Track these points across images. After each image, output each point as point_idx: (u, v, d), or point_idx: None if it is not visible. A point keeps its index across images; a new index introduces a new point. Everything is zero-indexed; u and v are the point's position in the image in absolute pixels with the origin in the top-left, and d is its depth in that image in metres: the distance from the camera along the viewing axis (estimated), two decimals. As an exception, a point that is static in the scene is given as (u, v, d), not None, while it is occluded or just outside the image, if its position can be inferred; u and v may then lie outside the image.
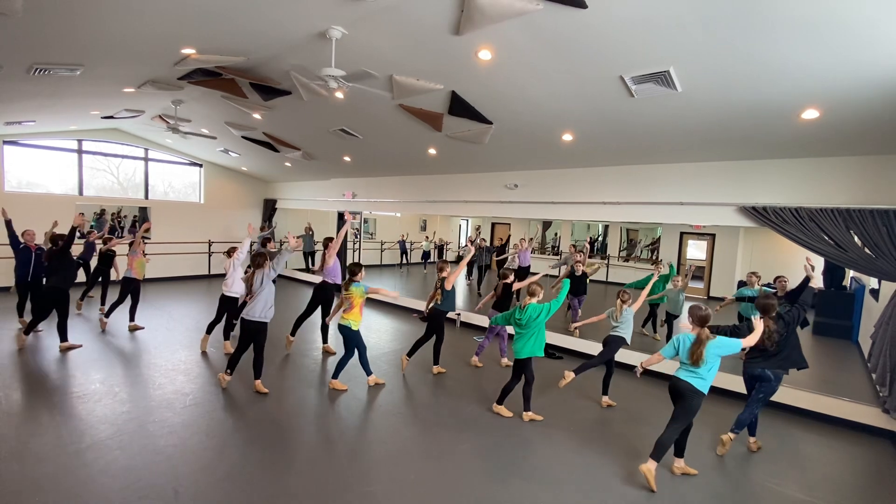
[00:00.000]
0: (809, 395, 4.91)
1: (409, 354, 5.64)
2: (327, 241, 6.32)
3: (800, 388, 4.97)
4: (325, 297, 6.14)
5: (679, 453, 3.65)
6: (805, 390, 4.95)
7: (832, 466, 3.98)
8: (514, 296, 5.89)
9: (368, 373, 5.07)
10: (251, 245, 5.35)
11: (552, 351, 6.76)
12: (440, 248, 13.77)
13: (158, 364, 5.44)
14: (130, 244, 6.71)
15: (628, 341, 4.76)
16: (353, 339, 4.87)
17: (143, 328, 6.81)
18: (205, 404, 4.42)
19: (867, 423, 4.58)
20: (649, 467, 3.40)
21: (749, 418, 3.92)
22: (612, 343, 4.73)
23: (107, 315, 6.75)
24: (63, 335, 5.68)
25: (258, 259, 4.62)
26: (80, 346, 5.82)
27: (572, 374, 4.49)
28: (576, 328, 4.86)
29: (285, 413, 4.36)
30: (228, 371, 4.80)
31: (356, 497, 3.13)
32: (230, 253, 5.96)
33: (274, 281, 4.66)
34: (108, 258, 7.54)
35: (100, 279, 7.78)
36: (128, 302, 6.76)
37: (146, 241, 7.03)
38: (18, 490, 2.99)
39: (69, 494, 2.98)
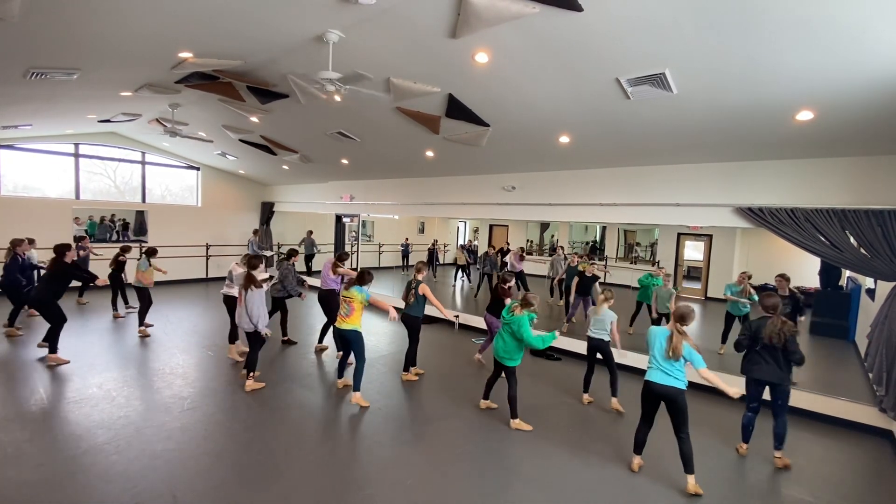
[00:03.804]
0: (807, 395, 4.92)
1: (406, 369, 5.52)
2: (344, 257, 6.54)
3: (797, 388, 4.98)
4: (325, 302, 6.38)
5: (639, 450, 3.68)
6: (802, 390, 4.96)
7: (830, 465, 3.99)
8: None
9: (356, 388, 4.70)
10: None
11: (550, 352, 6.77)
12: (432, 253, 13.63)
13: (156, 368, 5.42)
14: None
15: (607, 340, 4.82)
16: (358, 343, 4.70)
17: (151, 326, 7.14)
18: (203, 408, 4.40)
19: (864, 423, 4.60)
20: (693, 483, 3.39)
21: (783, 429, 3.85)
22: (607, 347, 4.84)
23: (140, 321, 6.98)
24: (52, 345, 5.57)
25: (249, 278, 4.82)
26: (68, 361, 5.51)
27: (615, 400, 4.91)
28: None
29: (283, 417, 4.35)
30: (247, 373, 4.97)
31: (355, 501, 3.13)
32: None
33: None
34: (121, 264, 7.73)
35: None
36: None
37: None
38: (15, 496, 2.97)
39: (66, 500, 2.96)
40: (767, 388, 3.86)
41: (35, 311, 6.06)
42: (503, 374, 4.45)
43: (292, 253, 6.77)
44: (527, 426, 4.31)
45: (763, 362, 3.78)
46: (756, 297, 6.27)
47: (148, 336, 6.87)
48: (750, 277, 6.37)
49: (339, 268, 6.31)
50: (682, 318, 3.47)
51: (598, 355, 4.90)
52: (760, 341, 3.75)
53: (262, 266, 5.10)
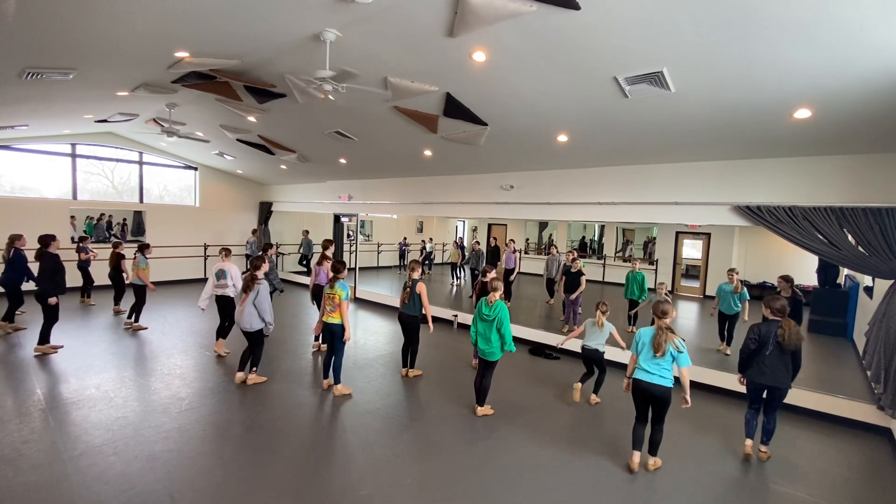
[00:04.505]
0: (805, 393, 4.93)
1: (411, 366, 5.60)
2: (327, 244, 6.74)
3: (796, 385, 4.98)
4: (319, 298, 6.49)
5: (637, 446, 3.72)
6: (801, 388, 4.97)
7: (829, 463, 3.99)
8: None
9: (337, 381, 4.96)
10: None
11: (549, 351, 6.77)
12: (428, 254, 13.79)
13: (154, 369, 5.41)
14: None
15: (602, 350, 4.90)
16: (341, 338, 4.88)
17: (146, 328, 7.15)
18: (200, 409, 4.39)
19: (863, 420, 4.61)
20: (652, 461, 3.69)
21: (774, 425, 3.91)
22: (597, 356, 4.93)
23: (135, 319, 7.18)
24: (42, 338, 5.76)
25: (250, 281, 4.92)
26: (62, 346, 5.84)
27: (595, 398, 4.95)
28: (561, 344, 5.09)
29: (281, 417, 4.34)
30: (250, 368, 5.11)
31: (353, 501, 3.12)
32: (228, 254, 6.22)
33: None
34: (119, 258, 7.83)
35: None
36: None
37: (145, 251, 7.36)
38: (11, 498, 2.96)
39: (63, 502, 2.95)
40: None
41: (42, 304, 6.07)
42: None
43: (268, 246, 6.85)
44: (490, 410, 4.57)
45: (767, 367, 3.75)
46: (748, 295, 6.32)
47: (144, 329, 7.06)
48: (737, 273, 6.49)
49: (327, 258, 6.39)
50: (663, 313, 3.59)
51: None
52: (767, 346, 3.73)
53: (266, 266, 5.15)
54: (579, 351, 5.08)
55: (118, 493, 3.06)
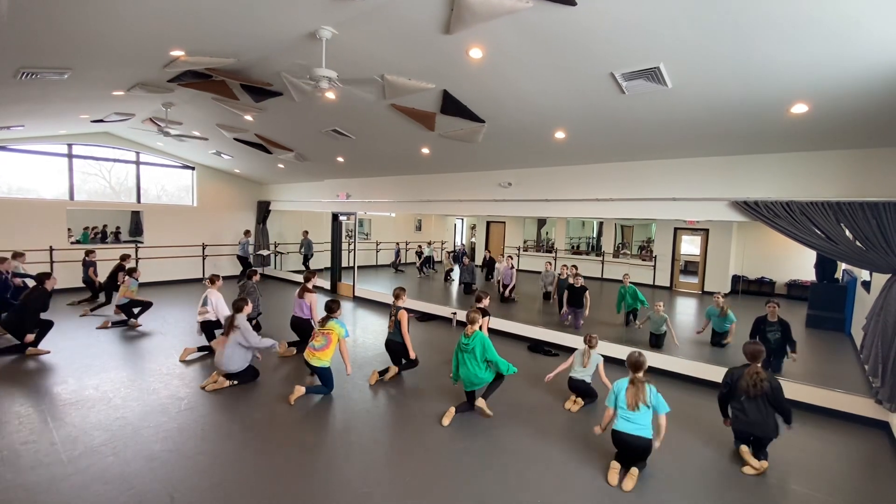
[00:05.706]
0: (803, 388, 4.95)
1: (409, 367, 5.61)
2: (310, 276, 6.47)
3: (794, 380, 5.01)
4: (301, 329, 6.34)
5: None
6: (799, 382, 4.98)
7: (827, 457, 4.01)
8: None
9: (307, 393, 4.70)
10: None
11: (548, 348, 6.79)
12: (428, 258, 13.87)
13: (153, 369, 5.40)
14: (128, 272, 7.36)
15: (589, 381, 4.81)
16: (328, 378, 4.81)
17: (140, 325, 7.23)
18: (200, 408, 4.39)
19: (860, 414, 4.63)
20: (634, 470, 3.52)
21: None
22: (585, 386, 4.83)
23: (136, 315, 7.31)
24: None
25: (232, 317, 4.91)
26: (48, 351, 5.79)
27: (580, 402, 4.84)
28: (548, 380, 4.97)
29: (280, 416, 4.35)
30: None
31: (353, 499, 3.13)
32: (213, 280, 6.21)
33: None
34: (120, 269, 7.92)
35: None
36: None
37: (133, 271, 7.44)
38: (10, 499, 2.96)
39: (63, 502, 2.95)
40: None
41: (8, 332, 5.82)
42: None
43: (253, 273, 6.81)
44: (488, 411, 4.39)
45: (745, 413, 3.68)
46: (735, 318, 6.33)
47: (138, 325, 7.17)
48: (725, 296, 6.50)
49: (308, 290, 6.18)
50: (637, 366, 3.55)
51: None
52: (739, 391, 3.69)
53: (248, 308, 5.09)
54: (576, 348, 5.07)
55: (117, 493, 3.06)
